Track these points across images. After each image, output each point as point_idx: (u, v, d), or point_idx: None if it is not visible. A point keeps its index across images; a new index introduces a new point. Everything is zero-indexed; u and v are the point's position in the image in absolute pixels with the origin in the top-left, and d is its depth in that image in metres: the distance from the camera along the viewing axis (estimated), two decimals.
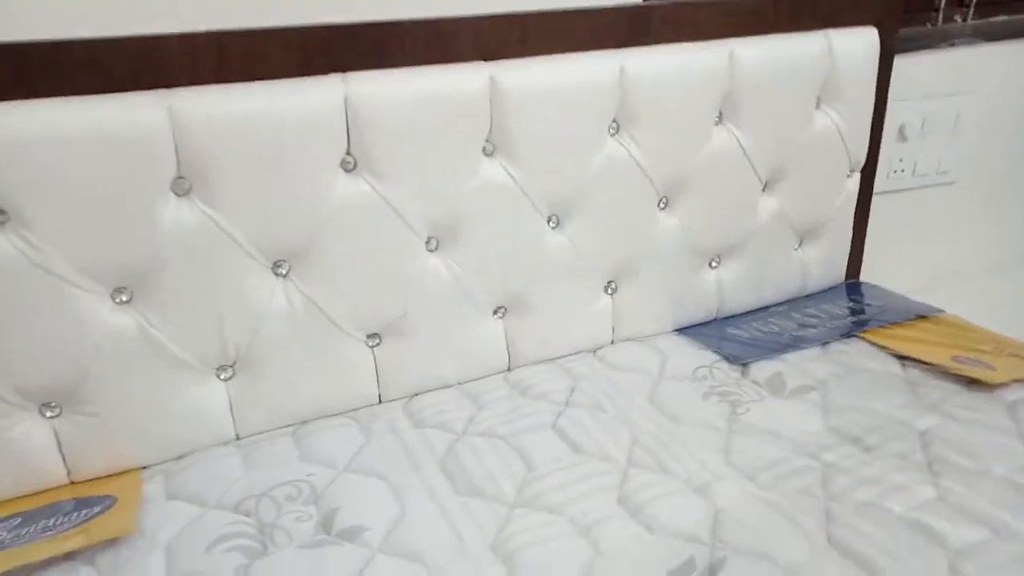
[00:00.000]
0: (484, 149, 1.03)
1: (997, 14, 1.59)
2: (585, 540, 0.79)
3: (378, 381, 1.06)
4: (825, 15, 1.23)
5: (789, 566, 0.74)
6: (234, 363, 0.97)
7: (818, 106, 1.23)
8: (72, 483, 0.92)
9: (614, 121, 1.10)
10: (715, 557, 0.75)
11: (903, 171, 1.49)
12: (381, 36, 0.96)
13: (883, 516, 0.80)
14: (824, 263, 1.35)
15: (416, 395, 1.09)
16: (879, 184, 1.46)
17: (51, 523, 0.84)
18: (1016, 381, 1.03)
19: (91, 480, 0.92)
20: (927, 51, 1.46)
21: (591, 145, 1.09)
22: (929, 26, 1.57)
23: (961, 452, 0.90)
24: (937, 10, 1.60)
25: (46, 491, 0.90)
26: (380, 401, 1.07)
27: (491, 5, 1.04)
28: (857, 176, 1.33)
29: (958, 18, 1.63)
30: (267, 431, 1.01)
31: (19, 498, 0.89)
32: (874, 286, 1.39)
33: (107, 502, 0.87)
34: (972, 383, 1.03)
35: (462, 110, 0.99)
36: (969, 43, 1.51)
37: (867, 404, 1.01)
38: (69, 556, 0.78)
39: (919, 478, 0.86)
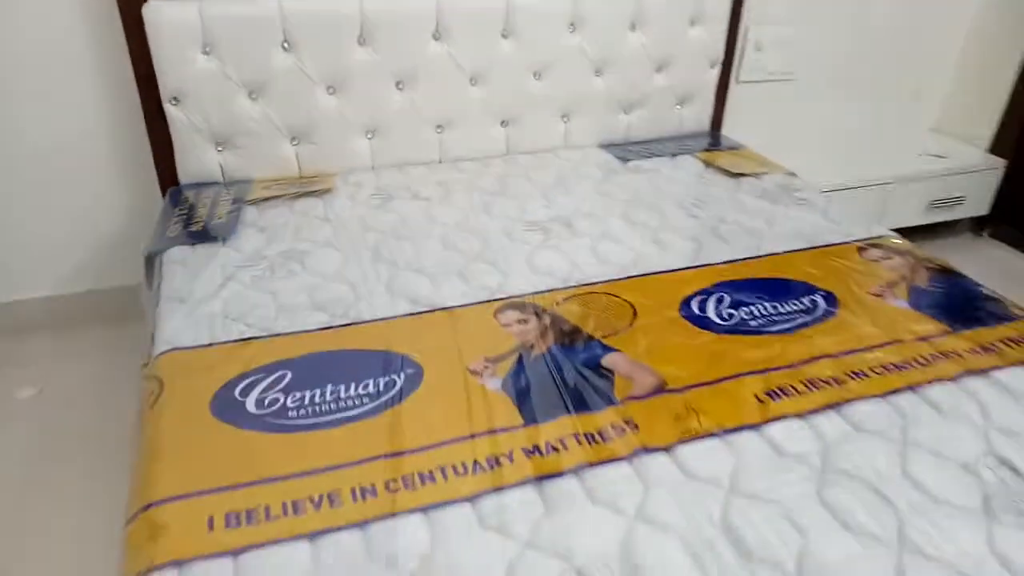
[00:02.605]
0: (502, 33, 2.05)
1: None
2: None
3: (439, 149, 2.14)
4: None
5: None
6: (374, 131, 2.04)
7: (692, 25, 2.20)
8: (300, 176, 2.02)
9: (571, 24, 2.09)
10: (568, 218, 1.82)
11: (759, 70, 2.45)
12: None
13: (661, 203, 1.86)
14: (695, 119, 2.37)
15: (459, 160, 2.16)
16: (744, 76, 2.44)
17: (313, 191, 1.94)
18: (750, 175, 2.05)
19: (310, 176, 2.02)
20: None
21: (557, 38, 2.09)
22: None
23: (711, 200, 1.93)
24: None
25: (288, 177, 2.01)
26: (440, 162, 2.15)
27: None
28: (717, 69, 2.31)
29: None
30: (382, 166, 2.09)
31: (279, 179, 2.00)
32: (719, 133, 2.40)
33: (321, 185, 1.97)
34: (735, 175, 2.06)
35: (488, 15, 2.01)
36: None
37: (676, 176, 2.05)
38: (310, 195, 1.89)
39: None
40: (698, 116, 2.36)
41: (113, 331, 2.10)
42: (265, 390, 1.20)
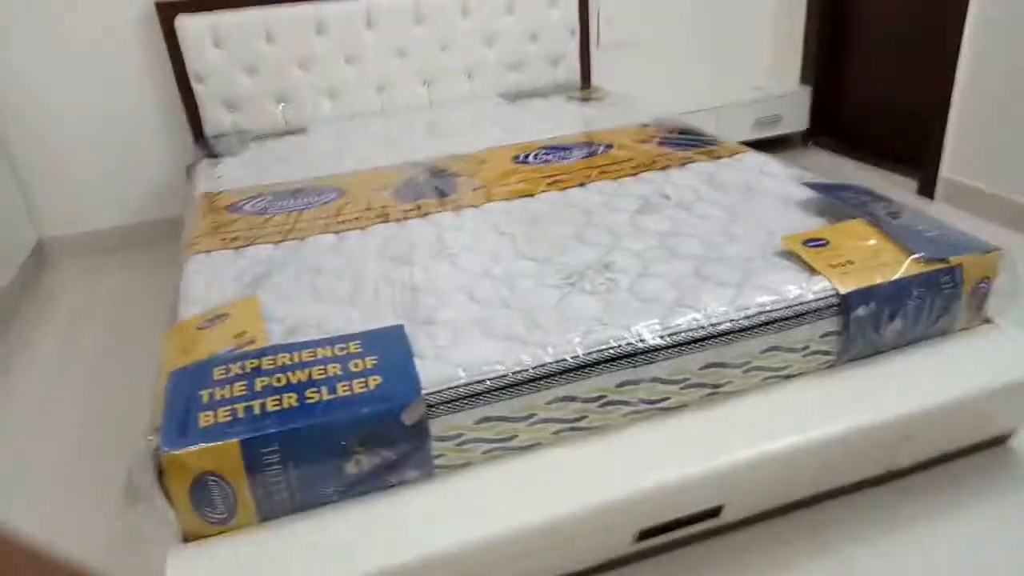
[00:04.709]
0: (415, 20, 2.99)
1: None
2: None
3: (381, 104, 3.06)
4: None
5: None
6: (333, 94, 2.98)
7: (550, 7, 3.13)
8: (285, 127, 2.95)
9: (463, 11, 3.02)
10: None
11: (612, 38, 3.36)
12: None
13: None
14: (566, 75, 3.28)
15: (396, 110, 3.08)
16: (602, 43, 3.34)
17: (293, 132, 2.87)
18: (595, 99, 2.94)
19: (292, 127, 2.96)
20: None
21: (455, 22, 3.02)
22: None
23: (559, 114, 2.82)
24: None
25: (276, 128, 2.94)
26: (382, 111, 3.07)
27: None
28: (576, 37, 3.22)
29: None
30: (341, 118, 3.02)
31: (269, 129, 2.93)
32: (589, 84, 3.29)
33: (298, 129, 2.90)
34: (584, 100, 2.95)
35: None
36: None
37: (543, 106, 2.94)
38: (291, 134, 2.82)
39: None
40: (569, 73, 3.27)
41: (162, 249, 3.03)
42: (256, 203, 2.11)
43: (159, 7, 2.71)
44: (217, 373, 1.26)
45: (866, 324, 1.46)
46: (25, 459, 1.94)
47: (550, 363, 1.29)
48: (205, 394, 1.22)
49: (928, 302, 1.49)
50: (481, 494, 1.28)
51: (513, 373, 1.27)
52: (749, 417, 1.42)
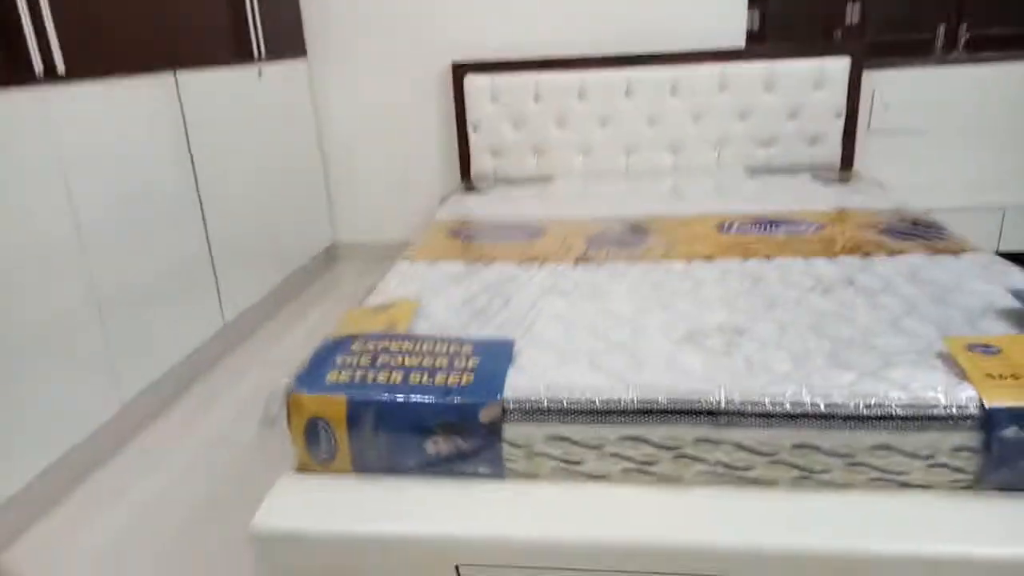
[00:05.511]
0: (670, 92, 3.14)
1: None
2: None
3: (626, 166, 3.25)
4: (822, 51, 3.03)
5: None
6: (584, 152, 3.25)
7: (816, 88, 3.04)
8: (537, 174, 3.29)
9: (720, 86, 3.10)
10: None
11: (888, 122, 3.13)
12: None
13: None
14: (825, 155, 3.13)
15: (640, 174, 3.25)
16: (873, 127, 3.14)
17: (541, 180, 3.21)
18: (844, 181, 2.78)
19: (542, 174, 3.29)
20: (898, 68, 3.10)
21: (709, 96, 3.11)
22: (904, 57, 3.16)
23: (795, 188, 2.73)
24: (932, 46, 3.18)
25: (529, 175, 3.29)
26: (626, 173, 3.26)
27: None
28: (842, 119, 3.07)
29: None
30: (588, 174, 3.27)
31: (524, 175, 3.30)
32: (850, 167, 3.10)
33: (548, 177, 3.22)
34: (831, 181, 2.81)
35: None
36: (940, 63, 3.08)
37: (784, 181, 2.87)
38: (539, 181, 3.14)
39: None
40: (827, 154, 3.13)
41: None
42: (472, 231, 2.44)
43: (454, 67, 3.26)
44: (356, 345, 1.54)
45: (1016, 448, 1.24)
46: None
47: (625, 399, 1.34)
48: (340, 359, 1.50)
49: None
50: (546, 503, 1.36)
51: (586, 399, 1.35)
52: (847, 513, 1.29)
